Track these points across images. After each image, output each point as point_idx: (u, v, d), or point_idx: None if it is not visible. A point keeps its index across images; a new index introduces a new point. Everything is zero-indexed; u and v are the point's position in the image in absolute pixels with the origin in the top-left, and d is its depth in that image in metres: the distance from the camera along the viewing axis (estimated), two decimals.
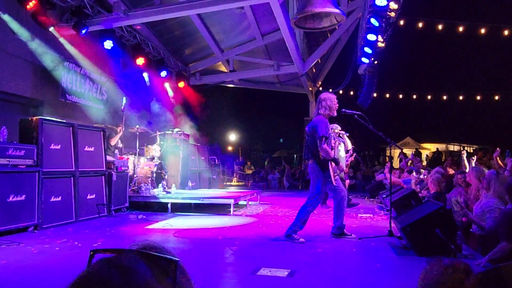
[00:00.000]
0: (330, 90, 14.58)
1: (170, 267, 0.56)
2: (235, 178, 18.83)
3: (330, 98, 5.03)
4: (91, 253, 0.59)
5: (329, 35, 12.31)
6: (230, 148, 25.05)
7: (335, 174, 5.05)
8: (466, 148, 25.77)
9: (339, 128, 6.81)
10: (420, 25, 13.34)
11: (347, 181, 8.94)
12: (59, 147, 6.07)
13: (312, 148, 4.99)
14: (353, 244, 4.89)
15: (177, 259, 0.57)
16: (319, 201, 5.01)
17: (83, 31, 8.32)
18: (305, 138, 5.16)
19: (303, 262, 3.98)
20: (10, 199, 5.06)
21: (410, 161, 11.37)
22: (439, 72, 25.31)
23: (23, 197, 5.25)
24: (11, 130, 5.63)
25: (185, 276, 0.59)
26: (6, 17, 7.28)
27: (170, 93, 12.76)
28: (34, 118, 5.83)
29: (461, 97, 19.06)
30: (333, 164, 4.98)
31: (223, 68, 13.91)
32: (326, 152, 4.84)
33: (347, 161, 9.39)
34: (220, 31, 11.98)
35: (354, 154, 10.36)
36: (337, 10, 7.26)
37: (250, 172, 18.77)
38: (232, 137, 25.90)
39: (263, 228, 5.98)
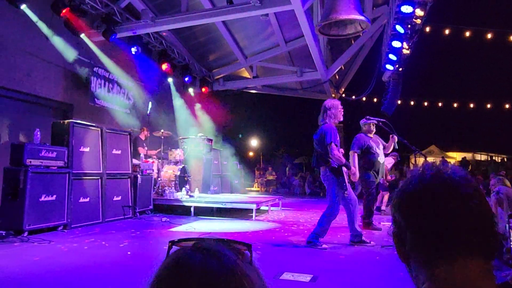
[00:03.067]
0: (353, 97, 14.52)
1: (245, 249, 0.61)
2: (256, 183, 18.89)
3: (335, 106, 5.06)
4: (170, 244, 0.62)
5: (353, 42, 12.26)
6: (251, 154, 25.15)
7: (347, 180, 5.02)
8: (494, 158, 25.09)
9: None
10: (447, 31, 13.12)
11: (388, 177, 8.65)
12: (88, 149, 6.27)
13: (322, 155, 4.99)
14: (376, 252, 4.85)
15: (250, 244, 0.62)
16: (338, 208, 4.99)
17: (112, 38, 8.59)
18: (314, 146, 5.15)
19: (326, 268, 3.99)
20: (42, 198, 5.26)
21: None
22: (465, 80, 24.79)
23: (54, 197, 5.45)
24: (43, 133, 5.86)
25: (256, 260, 0.63)
26: (40, 24, 7.59)
27: (195, 98, 12.96)
28: (66, 121, 6.05)
29: (488, 105, 18.60)
30: (346, 169, 4.97)
31: (246, 74, 14.03)
32: (337, 158, 4.86)
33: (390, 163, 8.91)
34: (244, 38, 12.11)
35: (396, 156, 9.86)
36: (361, 17, 7.24)
37: (271, 178, 18.79)
38: (254, 142, 26.00)
39: (285, 234, 6.00)
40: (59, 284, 3.24)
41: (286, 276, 3.56)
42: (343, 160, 4.92)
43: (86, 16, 8.45)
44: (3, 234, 4.79)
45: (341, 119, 5.12)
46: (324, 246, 4.86)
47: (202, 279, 0.52)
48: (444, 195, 0.75)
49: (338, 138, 5.04)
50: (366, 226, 6.41)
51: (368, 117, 5.17)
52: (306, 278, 3.51)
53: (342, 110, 5.12)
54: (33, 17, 7.46)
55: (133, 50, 9.30)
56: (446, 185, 0.76)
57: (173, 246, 0.63)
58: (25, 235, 4.93)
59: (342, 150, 5.16)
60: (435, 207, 0.74)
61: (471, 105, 18.72)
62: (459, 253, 0.73)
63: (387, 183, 8.91)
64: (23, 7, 7.14)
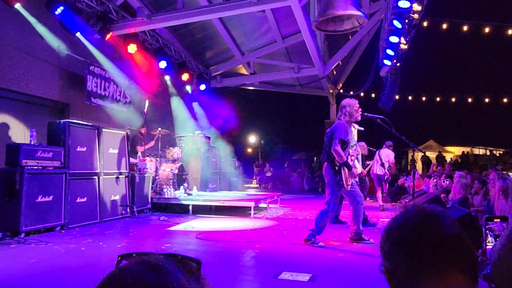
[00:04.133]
0: (351, 92, 14.49)
1: (194, 267, 0.59)
2: (255, 180, 18.88)
3: (351, 105, 5.01)
4: (119, 258, 0.60)
5: (350, 37, 12.21)
6: (250, 150, 25.13)
7: (350, 179, 5.00)
8: (493, 152, 25.10)
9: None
10: (445, 26, 13.09)
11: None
12: (84, 149, 6.23)
13: (328, 151, 4.99)
14: (375, 249, 4.82)
15: (199, 260, 0.60)
16: (335, 205, 4.98)
17: (108, 36, 8.52)
18: (324, 141, 5.16)
19: (325, 266, 3.97)
20: (39, 199, 5.23)
21: (435, 167, 11.19)
22: (463, 74, 24.71)
23: (50, 198, 5.41)
24: (39, 133, 5.81)
25: (205, 278, 0.61)
26: (34, 23, 7.52)
27: (192, 95, 12.91)
28: (62, 121, 6.00)
29: (486, 100, 18.60)
30: (346, 168, 4.94)
31: (243, 71, 13.97)
32: (338, 154, 4.83)
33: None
34: (241, 34, 12.05)
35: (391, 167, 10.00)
36: (359, 13, 7.18)
37: (269, 174, 18.78)
38: (252, 139, 25.97)
39: (284, 231, 5.98)
40: (55, 286, 3.21)
41: (285, 275, 3.54)
42: (344, 158, 4.89)
43: (82, 14, 8.37)
44: (0, 235, 4.75)
45: (359, 118, 5.06)
46: (321, 243, 4.84)
47: None
48: (431, 223, 0.84)
49: (350, 137, 5.01)
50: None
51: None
52: (305, 277, 3.50)
53: (360, 110, 5.05)
54: (28, 16, 7.39)
55: (130, 48, 9.22)
56: (432, 215, 0.86)
57: (123, 261, 0.60)
58: (22, 236, 4.88)
59: (358, 151, 5.14)
60: (427, 232, 0.83)
61: (469, 100, 18.73)
62: (450, 270, 0.78)
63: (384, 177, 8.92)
64: (17, 6, 7.06)
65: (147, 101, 8.75)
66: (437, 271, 0.79)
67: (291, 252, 4.63)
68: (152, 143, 9.02)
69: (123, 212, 6.99)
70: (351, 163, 5.05)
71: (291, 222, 6.96)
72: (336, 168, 4.93)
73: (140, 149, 8.52)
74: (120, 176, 7.08)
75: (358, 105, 5.04)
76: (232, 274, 3.67)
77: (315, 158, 24.07)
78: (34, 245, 4.59)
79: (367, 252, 4.67)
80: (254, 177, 19.19)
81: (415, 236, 0.83)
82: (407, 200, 8.40)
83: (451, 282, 0.77)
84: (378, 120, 5.14)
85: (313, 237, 4.89)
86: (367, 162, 10.64)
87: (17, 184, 4.95)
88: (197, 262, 0.59)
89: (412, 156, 14.12)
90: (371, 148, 10.03)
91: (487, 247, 1.58)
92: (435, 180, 8.33)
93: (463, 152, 22.25)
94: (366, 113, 5.14)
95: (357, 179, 6.83)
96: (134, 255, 0.60)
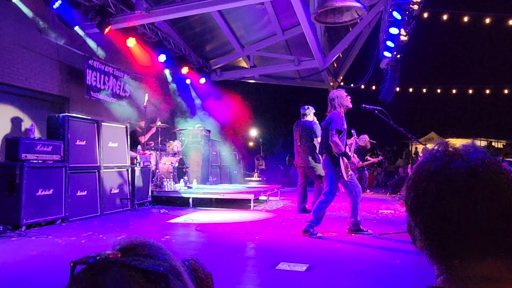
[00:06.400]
0: (352, 85, 14.44)
1: (161, 281, 0.50)
2: (256, 173, 18.90)
3: (339, 95, 5.08)
4: (72, 264, 0.54)
5: (350, 29, 12.16)
6: (251, 144, 25.12)
7: (349, 169, 5.03)
8: (494, 143, 25.06)
9: None
10: (445, 17, 13.00)
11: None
12: (84, 143, 6.26)
13: (326, 142, 5.02)
14: (373, 239, 4.87)
15: (165, 273, 0.51)
16: (334, 196, 5.02)
17: (107, 30, 8.50)
18: (321, 134, 5.19)
19: (322, 257, 4.00)
20: (39, 193, 5.26)
21: None
22: (464, 66, 24.62)
23: (51, 191, 5.45)
24: (39, 127, 5.85)
25: (182, 281, 0.53)
26: (33, 17, 7.51)
27: (192, 89, 12.92)
28: (61, 115, 6.02)
29: (487, 91, 18.52)
30: (345, 159, 4.97)
31: (243, 64, 13.94)
32: (336, 145, 4.85)
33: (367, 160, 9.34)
34: (241, 27, 12.01)
35: (380, 157, 10.25)
36: (358, 4, 7.15)
37: (262, 167, 18.84)
38: (253, 132, 25.96)
39: (283, 223, 6.02)
40: (56, 278, 3.25)
41: (282, 266, 3.58)
42: (342, 148, 4.92)
43: (80, 8, 8.36)
44: (1, 229, 4.80)
45: (350, 105, 5.11)
46: (319, 235, 4.87)
47: None
48: (490, 180, 0.62)
49: (345, 127, 5.05)
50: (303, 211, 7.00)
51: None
52: (302, 267, 3.53)
53: (348, 97, 5.11)
54: (26, 10, 7.38)
55: (129, 42, 9.21)
56: (492, 169, 0.64)
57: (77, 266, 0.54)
58: (22, 229, 4.93)
59: (360, 138, 5.19)
60: (477, 192, 0.62)
61: (470, 91, 18.65)
62: (490, 253, 0.62)
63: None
64: (16, 0, 7.05)
65: (146, 95, 8.76)
66: (474, 253, 0.63)
67: (290, 243, 4.67)
68: (154, 129, 8.97)
69: (124, 205, 7.03)
70: (349, 153, 5.09)
71: (291, 214, 7.00)
72: (335, 158, 4.95)
73: (142, 139, 8.53)
74: (120, 169, 7.11)
75: (345, 94, 5.09)
76: (230, 264, 3.70)
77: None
78: (34, 238, 4.64)
79: (365, 243, 4.70)
80: (256, 170, 19.22)
81: (457, 193, 0.64)
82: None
83: (492, 270, 0.63)
84: (376, 111, 5.14)
85: (311, 228, 4.92)
86: (368, 158, 10.67)
87: (17, 178, 4.98)
88: (162, 276, 0.50)
89: (415, 148, 14.13)
90: (372, 141, 10.05)
91: None
92: None
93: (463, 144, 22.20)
94: (364, 105, 5.14)
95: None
96: (88, 261, 0.52)
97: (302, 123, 7.14)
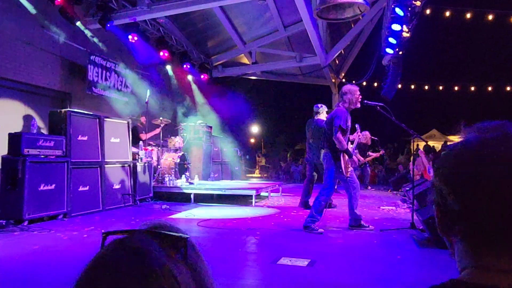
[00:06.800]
0: (354, 81, 14.41)
1: (180, 244, 0.57)
2: (257, 169, 18.94)
3: (352, 92, 5.02)
4: (103, 235, 0.59)
5: (352, 26, 12.13)
6: (252, 140, 25.14)
7: (349, 166, 5.04)
8: None
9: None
10: (447, 13, 12.95)
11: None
12: (86, 138, 6.27)
13: (328, 137, 5.02)
14: (374, 235, 4.88)
15: (186, 236, 0.58)
16: (333, 191, 5.04)
17: (108, 25, 8.50)
18: (324, 128, 5.20)
19: (323, 252, 4.01)
20: (41, 188, 5.28)
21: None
22: (466, 63, 24.56)
23: (53, 186, 5.47)
24: (41, 122, 5.87)
25: (196, 252, 0.60)
26: (35, 12, 7.51)
27: (193, 85, 12.92)
28: (63, 110, 6.03)
29: (490, 88, 18.47)
30: (346, 156, 4.97)
31: (245, 60, 13.92)
32: (339, 142, 4.87)
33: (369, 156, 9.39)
34: (243, 23, 11.99)
35: (381, 151, 10.27)
36: (360, 0, 7.14)
37: (263, 163, 18.87)
38: (255, 129, 25.96)
39: (284, 219, 6.03)
40: (58, 271, 3.27)
41: (284, 261, 3.59)
42: (345, 145, 4.92)
43: (82, 3, 8.36)
44: (3, 223, 4.82)
45: (358, 106, 5.06)
46: (320, 230, 4.88)
47: (119, 279, 0.49)
48: None
49: (349, 124, 5.04)
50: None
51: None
52: (304, 262, 3.54)
53: (360, 97, 5.08)
54: (28, 6, 7.38)
55: (131, 38, 9.21)
56: None
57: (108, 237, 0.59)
58: (25, 224, 4.95)
59: (362, 135, 5.20)
60: None
61: (472, 88, 18.61)
62: None
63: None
64: None
65: (148, 91, 8.76)
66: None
67: (291, 239, 4.67)
68: (158, 130, 8.92)
69: (125, 201, 7.05)
70: (352, 148, 5.10)
71: (292, 210, 7.01)
72: (336, 154, 4.96)
73: (143, 136, 8.54)
74: (122, 165, 7.12)
75: (359, 93, 5.06)
76: (232, 259, 3.71)
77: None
78: (37, 233, 4.65)
79: (366, 238, 4.71)
80: (257, 166, 19.26)
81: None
82: (407, 189, 8.42)
83: None
84: (378, 107, 5.13)
85: (313, 223, 4.93)
86: (369, 153, 10.67)
87: (19, 173, 5.00)
88: (182, 239, 0.57)
89: (412, 144, 14.09)
90: (373, 138, 10.04)
91: None
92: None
93: None
94: (366, 101, 5.14)
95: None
96: (118, 232, 0.58)
97: (314, 122, 7.14)
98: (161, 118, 8.98)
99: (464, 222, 0.60)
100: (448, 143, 19.78)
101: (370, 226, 5.16)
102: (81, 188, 6.07)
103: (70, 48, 8.39)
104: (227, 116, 13.64)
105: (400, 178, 11.61)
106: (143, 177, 7.61)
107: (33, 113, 7.68)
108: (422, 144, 16.36)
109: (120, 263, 0.51)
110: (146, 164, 7.76)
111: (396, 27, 9.15)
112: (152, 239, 0.55)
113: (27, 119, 7.51)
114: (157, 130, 8.90)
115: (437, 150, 17.21)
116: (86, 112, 6.63)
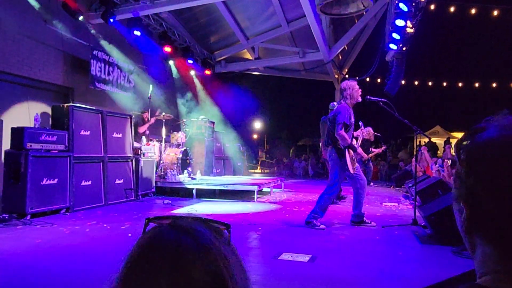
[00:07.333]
0: (357, 78, 14.35)
1: (223, 230, 0.60)
2: (259, 165, 18.94)
3: (351, 86, 5.02)
4: (147, 221, 0.61)
5: (356, 21, 12.07)
6: (255, 136, 25.12)
7: (355, 162, 5.03)
8: None
9: None
10: (452, 9, 12.86)
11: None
12: (88, 133, 6.28)
13: (332, 135, 5.01)
14: (376, 231, 4.87)
15: (229, 224, 0.61)
16: (338, 188, 5.03)
17: (111, 20, 8.49)
18: (328, 125, 5.18)
19: (325, 248, 4.01)
20: (44, 182, 5.30)
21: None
22: (471, 59, 24.39)
23: (55, 181, 5.49)
24: (44, 117, 5.87)
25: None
26: (38, 7, 7.50)
27: (196, 80, 12.90)
28: (65, 105, 6.04)
29: (494, 84, 18.37)
30: (351, 151, 4.96)
31: (248, 56, 13.88)
32: (342, 138, 4.85)
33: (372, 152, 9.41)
34: (246, 18, 11.94)
35: (383, 146, 10.28)
36: None
37: (263, 159, 18.88)
38: (257, 124, 25.94)
39: (286, 215, 6.03)
40: (60, 265, 3.28)
41: (285, 256, 3.59)
42: (348, 141, 4.91)
43: None
44: (6, 217, 4.84)
45: (359, 99, 5.08)
46: (322, 226, 4.88)
47: (175, 258, 0.51)
48: None
49: (353, 120, 5.04)
50: None
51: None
52: (305, 258, 3.54)
53: (360, 90, 5.09)
54: (31, 0, 7.37)
55: (135, 32, 9.19)
56: None
57: (150, 224, 0.61)
58: (27, 218, 4.98)
59: (365, 131, 5.18)
60: None
61: (476, 84, 18.51)
62: None
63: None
64: None
65: (151, 86, 8.75)
66: None
67: (293, 234, 4.68)
68: (152, 120, 8.80)
69: (128, 195, 7.06)
70: (356, 145, 5.09)
71: (294, 206, 7.01)
72: (341, 151, 4.95)
73: (141, 129, 8.47)
74: (124, 160, 7.13)
75: (357, 86, 5.06)
76: None
77: (320, 144, 24.02)
78: (39, 227, 4.67)
79: (368, 234, 4.70)
80: (259, 162, 19.26)
81: None
82: (410, 185, 8.40)
83: None
84: (381, 103, 5.11)
85: (315, 219, 4.93)
86: (372, 149, 10.63)
87: (22, 167, 5.01)
88: (226, 225, 0.61)
89: (415, 140, 14.03)
90: (376, 134, 10.00)
91: None
92: (437, 165, 8.31)
93: None
94: (369, 96, 5.11)
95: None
96: (162, 218, 0.60)
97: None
98: (163, 113, 8.93)
99: (496, 223, 0.55)
100: (451, 140, 19.72)
101: (372, 223, 5.15)
102: (83, 183, 6.09)
103: (73, 42, 8.37)
104: (229, 111, 13.62)
105: (403, 175, 11.59)
106: (145, 172, 7.62)
107: (35, 107, 7.69)
108: (425, 140, 16.30)
109: (176, 239, 0.53)
110: (148, 159, 7.76)
111: (400, 22, 9.09)
112: (199, 223, 0.58)
113: (30, 113, 7.52)
114: (152, 121, 8.74)
115: (456, 143, 17.11)
116: (88, 107, 6.63)
